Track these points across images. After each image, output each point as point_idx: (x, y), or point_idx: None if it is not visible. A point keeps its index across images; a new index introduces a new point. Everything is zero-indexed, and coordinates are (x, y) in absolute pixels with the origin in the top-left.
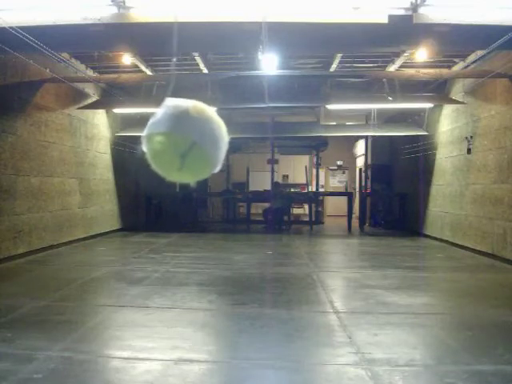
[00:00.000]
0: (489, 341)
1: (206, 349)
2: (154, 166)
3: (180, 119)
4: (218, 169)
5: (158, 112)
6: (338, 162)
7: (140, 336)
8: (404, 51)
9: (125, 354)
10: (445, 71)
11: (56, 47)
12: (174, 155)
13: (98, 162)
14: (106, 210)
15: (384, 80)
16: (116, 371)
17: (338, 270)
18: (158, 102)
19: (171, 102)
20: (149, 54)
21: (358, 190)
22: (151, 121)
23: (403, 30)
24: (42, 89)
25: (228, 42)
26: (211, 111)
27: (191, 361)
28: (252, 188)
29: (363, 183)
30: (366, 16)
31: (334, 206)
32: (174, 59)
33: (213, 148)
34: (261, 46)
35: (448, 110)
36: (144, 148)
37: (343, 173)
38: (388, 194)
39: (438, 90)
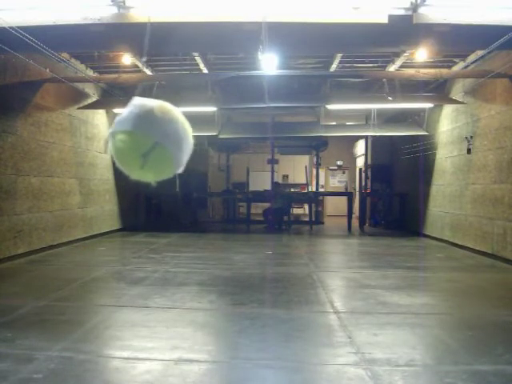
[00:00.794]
0: (489, 341)
1: (205, 349)
2: (117, 164)
3: (144, 119)
4: (180, 169)
5: (124, 111)
6: (338, 162)
7: (140, 336)
8: (404, 51)
9: (125, 354)
10: (445, 71)
11: (56, 47)
12: (136, 154)
13: (98, 162)
14: (105, 210)
15: (384, 80)
16: (116, 371)
17: (338, 270)
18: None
19: (137, 102)
20: (149, 54)
21: (357, 190)
22: (117, 119)
23: (403, 30)
24: (42, 89)
25: (228, 42)
26: (177, 112)
27: (191, 361)
28: (252, 188)
29: (363, 183)
30: (365, 16)
31: (334, 206)
32: (144, 59)
33: (175, 149)
34: (261, 46)
35: (448, 109)
36: (109, 145)
37: (343, 173)
38: (388, 194)
39: (438, 90)
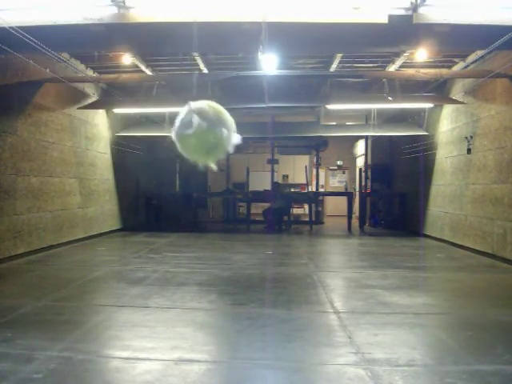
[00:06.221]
0: (489, 341)
1: (206, 349)
2: (187, 156)
3: (205, 120)
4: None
5: (184, 114)
6: (338, 162)
7: (140, 336)
8: (404, 51)
9: (125, 354)
10: (445, 71)
11: (56, 47)
12: (203, 148)
13: (98, 162)
14: (106, 210)
15: (384, 80)
16: (116, 371)
17: (338, 270)
18: (157, 102)
19: (193, 106)
20: (149, 54)
21: (357, 190)
22: (179, 122)
23: (403, 30)
24: (42, 89)
25: (228, 42)
26: (219, 107)
27: (191, 361)
28: (252, 188)
29: (363, 183)
30: (365, 16)
31: (334, 206)
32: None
33: (230, 135)
34: (261, 46)
35: (448, 109)
36: (177, 144)
37: (343, 173)
38: (388, 194)
39: (438, 90)
